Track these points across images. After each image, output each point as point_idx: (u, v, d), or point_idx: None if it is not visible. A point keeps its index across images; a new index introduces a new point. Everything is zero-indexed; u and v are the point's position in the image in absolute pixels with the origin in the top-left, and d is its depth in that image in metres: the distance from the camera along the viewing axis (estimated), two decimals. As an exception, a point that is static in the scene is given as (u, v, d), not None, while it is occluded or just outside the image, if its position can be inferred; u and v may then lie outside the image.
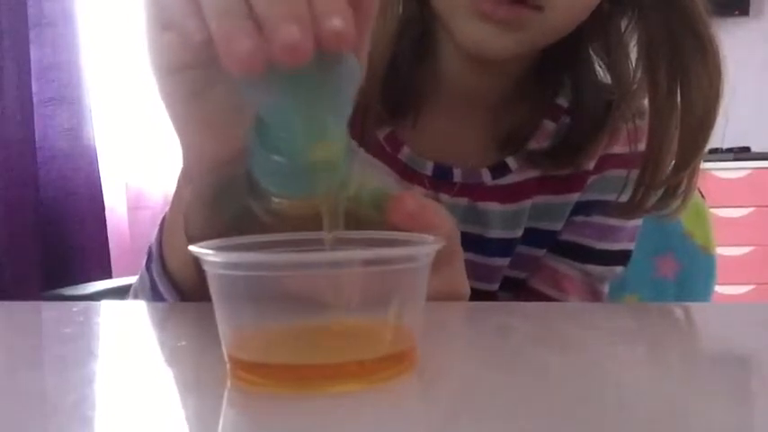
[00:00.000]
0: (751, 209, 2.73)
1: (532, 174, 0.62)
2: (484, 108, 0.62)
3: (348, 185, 0.35)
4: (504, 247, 0.63)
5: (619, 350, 0.36)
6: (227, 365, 0.29)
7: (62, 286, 1.45)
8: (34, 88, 1.63)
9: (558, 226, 0.64)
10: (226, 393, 0.29)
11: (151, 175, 1.92)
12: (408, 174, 0.62)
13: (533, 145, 0.61)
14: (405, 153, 0.62)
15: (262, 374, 0.28)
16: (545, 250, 0.65)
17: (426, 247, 0.30)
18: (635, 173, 0.59)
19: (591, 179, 0.63)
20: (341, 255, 0.29)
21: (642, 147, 0.59)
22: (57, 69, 1.65)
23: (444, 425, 0.25)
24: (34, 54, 1.62)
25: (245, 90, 0.31)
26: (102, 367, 0.34)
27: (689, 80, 0.54)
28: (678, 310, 0.48)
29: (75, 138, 1.68)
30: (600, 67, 0.62)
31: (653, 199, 0.57)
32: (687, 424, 0.25)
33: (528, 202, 0.62)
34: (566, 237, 0.65)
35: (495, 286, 0.65)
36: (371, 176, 0.39)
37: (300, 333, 0.31)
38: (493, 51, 0.53)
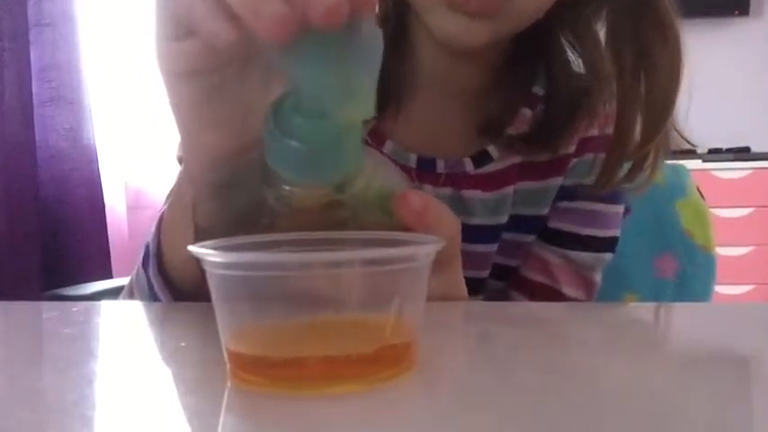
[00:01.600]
0: (751, 209, 2.73)
1: (514, 161, 0.63)
2: (463, 98, 0.64)
3: (356, 181, 0.36)
4: (489, 234, 0.64)
5: (618, 349, 0.36)
6: (227, 363, 0.29)
7: (62, 286, 1.45)
8: (34, 88, 1.63)
9: (543, 211, 0.65)
10: (226, 393, 0.29)
11: (151, 175, 1.92)
12: None
13: (512, 132, 0.63)
14: (388, 147, 0.64)
15: (260, 370, 0.28)
16: (533, 236, 0.66)
17: (426, 247, 0.30)
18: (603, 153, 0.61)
19: (572, 162, 0.64)
20: (341, 255, 0.29)
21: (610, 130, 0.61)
22: (57, 69, 1.65)
23: (444, 425, 0.25)
24: (34, 54, 1.62)
25: (277, 59, 0.32)
26: (102, 367, 0.34)
27: (652, 62, 0.56)
28: (677, 310, 0.48)
29: (75, 138, 1.68)
30: (573, 55, 0.63)
31: (621, 173, 0.60)
32: (686, 424, 0.25)
33: (510, 189, 0.63)
34: (552, 224, 0.66)
35: (484, 274, 0.66)
36: (381, 174, 0.39)
37: (299, 329, 0.31)
38: (467, 41, 0.54)
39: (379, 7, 0.62)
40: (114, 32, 1.86)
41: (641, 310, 0.48)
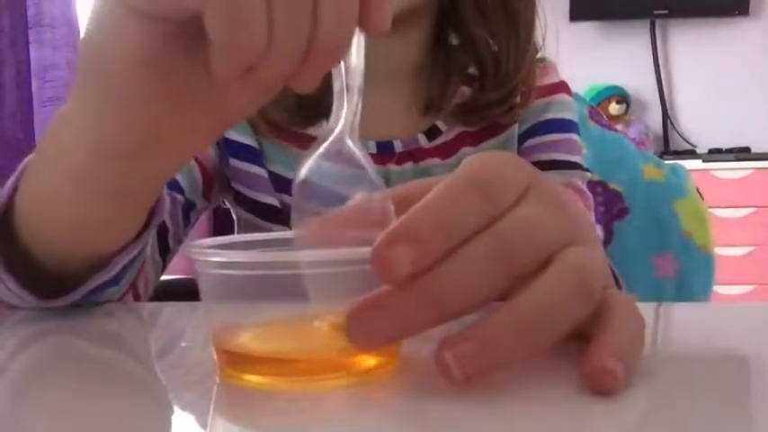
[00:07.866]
0: (751, 209, 2.73)
1: (461, 129, 0.70)
2: (405, 82, 0.71)
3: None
4: None
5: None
6: (215, 360, 0.30)
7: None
8: (34, 88, 1.63)
9: None
10: (226, 393, 0.29)
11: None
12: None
13: (453, 107, 0.70)
14: None
15: (247, 368, 0.29)
16: None
17: None
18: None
19: (520, 113, 0.70)
20: (328, 253, 0.29)
21: (550, 79, 0.71)
22: (57, 69, 1.65)
23: (430, 418, 0.25)
24: (34, 54, 1.62)
25: None
26: (101, 367, 0.34)
27: (513, 12, 0.67)
28: (677, 310, 0.48)
29: (75, 138, 1.68)
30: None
31: (491, 99, 0.68)
32: (686, 424, 0.25)
33: (467, 150, 0.70)
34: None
35: None
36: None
37: (286, 327, 0.31)
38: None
39: None
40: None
41: (641, 309, 0.48)
